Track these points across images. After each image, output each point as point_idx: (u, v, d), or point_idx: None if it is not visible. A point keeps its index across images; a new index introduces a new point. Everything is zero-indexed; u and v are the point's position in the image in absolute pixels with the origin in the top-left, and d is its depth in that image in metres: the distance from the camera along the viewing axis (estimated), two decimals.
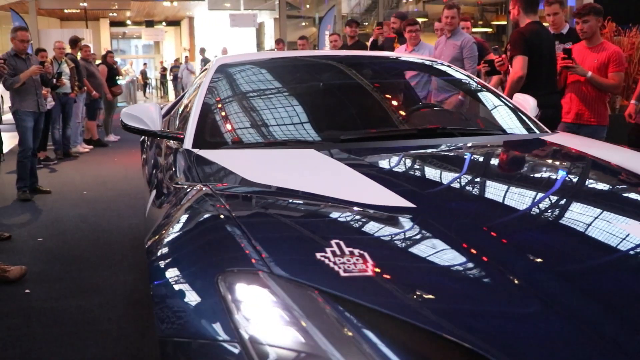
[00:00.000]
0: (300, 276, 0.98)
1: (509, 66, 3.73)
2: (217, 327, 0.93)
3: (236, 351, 0.87)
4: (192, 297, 1.02)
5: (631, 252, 1.16)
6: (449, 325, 0.88)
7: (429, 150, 1.96)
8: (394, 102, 2.52)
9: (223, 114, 2.24)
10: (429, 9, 15.03)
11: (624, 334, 0.90)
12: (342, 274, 0.99)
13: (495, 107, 2.52)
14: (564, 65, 3.54)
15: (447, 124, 2.29)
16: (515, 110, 2.45)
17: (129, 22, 25.45)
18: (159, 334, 1.02)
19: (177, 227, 1.27)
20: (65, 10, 20.16)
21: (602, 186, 1.69)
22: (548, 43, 3.59)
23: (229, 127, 2.17)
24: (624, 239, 1.21)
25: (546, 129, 2.37)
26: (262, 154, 1.91)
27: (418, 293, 0.97)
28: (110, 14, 22.92)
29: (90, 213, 4.69)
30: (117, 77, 10.20)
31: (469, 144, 2.06)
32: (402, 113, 2.48)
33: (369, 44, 6.75)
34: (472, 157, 1.92)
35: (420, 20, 5.95)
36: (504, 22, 15.61)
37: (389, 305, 0.92)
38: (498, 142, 2.17)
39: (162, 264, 1.15)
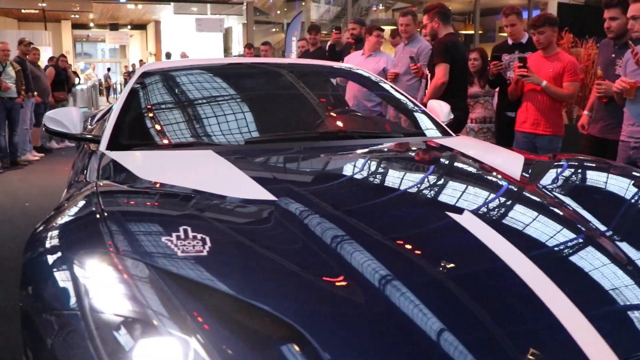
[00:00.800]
0: (144, 256, 1.14)
1: (424, 73, 4.15)
2: (66, 299, 1.07)
3: (79, 320, 1.01)
4: (49, 273, 1.16)
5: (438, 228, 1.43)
6: (266, 299, 1.06)
7: (318, 151, 2.12)
8: (305, 108, 2.64)
9: (138, 118, 2.38)
10: (397, 18, 15.12)
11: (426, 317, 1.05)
12: (180, 254, 1.15)
13: (407, 112, 2.80)
14: (519, 74, 3.50)
15: (351, 128, 2.54)
16: (424, 114, 2.65)
17: (92, 24, 24.84)
18: (20, 304, 1.18)
19: (57, 218, 1.39)
20: (23, 11, 19.52)
21: (454, 182, 1.84)
22: (463, 51, 4.08)
23: (141, 130, 2.33)
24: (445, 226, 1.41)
25: (450, 132, 2.53)
26: (165, 155, 2.05)
27: (245, 271, 1.17)
28: (72, 16, 22.28)
29: (29, 227, 4.40)
30: (78, 82, 9.85)
31: (359, 145, 2.27)
32: (312, 118, 2.57)
33: (327, 48, 6.61)
34: (352, 157, 2.11)
35: (389, 28, 5.90)
36: (472, 32, 15.83)
37: (213, 281, 1.10)
38: (389, 144, 2.32)
39: (33, 246, 1.29)
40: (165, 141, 2.21)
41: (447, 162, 2.09)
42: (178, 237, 1.20)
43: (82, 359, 0.96)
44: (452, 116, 2.80)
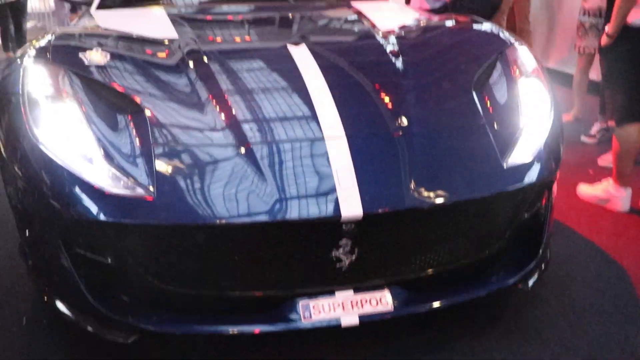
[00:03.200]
0: (67, 64, 1.74)
1: None
2: (15, 86, 1.66)
3: (18, 96, 1.61)
4: (9, 73, 1.76)
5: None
6: (132, 87, 1.73)
7: (247, 10, 2.64)
8: None
9: None
10: None
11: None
12: (88, 64, 1.78)
13: None
14: None
15: None
16: None
17: None
18: None
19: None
20: None
21: (320, 26, 2.47)
22: None
23: None
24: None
25: None
26: (130, 11, 2.60)
27: (125, 69, 1.83)
28: None
29: None
30: None
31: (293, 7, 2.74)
32: None
33: None
34: (269, 13, 2.60)
35: None
36: None
37: (101, 76, 1.75)
38: (316, 5, 2.79)
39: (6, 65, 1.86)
40: (137, 3, 2.71)
41: (328, 13, 2.65)
42: (91, 54, 1.82)
43: (14, 114, 1.58)
44: None
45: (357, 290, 1.53)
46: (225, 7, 2.72)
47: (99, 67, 1.77)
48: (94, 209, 1.41)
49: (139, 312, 1.51)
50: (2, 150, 1.63)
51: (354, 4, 2.70)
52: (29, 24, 7.41)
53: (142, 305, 1.52)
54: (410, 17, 2.56)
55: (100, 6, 2.71)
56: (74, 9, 7.99)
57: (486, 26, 2.29)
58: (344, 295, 1.52)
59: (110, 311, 1.50)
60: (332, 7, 2.76)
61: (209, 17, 2.63)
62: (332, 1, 2.89)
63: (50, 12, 9.01)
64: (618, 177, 2.69)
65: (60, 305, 1.57)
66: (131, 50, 1.99)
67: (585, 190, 2.85)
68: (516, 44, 2.04)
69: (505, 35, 2.15)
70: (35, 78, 1.67)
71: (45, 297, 1.63)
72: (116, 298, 1.52)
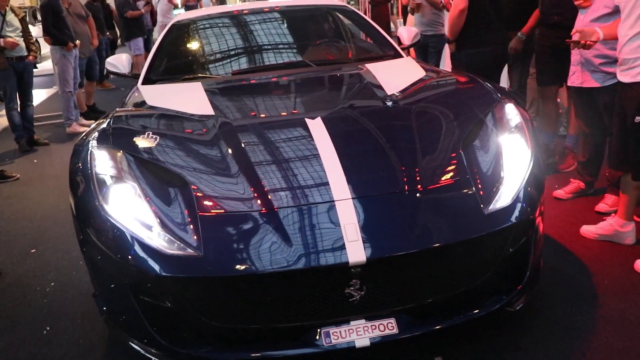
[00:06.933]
0: (124, 148, 2.20)
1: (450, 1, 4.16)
2: (84, 167, 2.14)
3: (88, 178, 2.07)
4: (77, 156, 2.25)
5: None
6: (177, 166, 2.13)
7: (275, 78, 3.09)
8: (285, 43, 3.67)
9: (164, 60, 3.45)
10: None
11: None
12: (142, 146, 2.21)
13: (374, 38, 3.67)
14: None
15: (315, 58, 3.35)
16: (385, 40, 3.54)
17: None
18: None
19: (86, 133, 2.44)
20: None
21: (332, 94, 2.92)
22: None
23: (164, 70, 3.36)
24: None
25: (403, 54, 3.37)
26: (169, 86, 3.08)
27: (173, 151, 2.23)
28: None
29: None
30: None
31: (313, 71, 3.13)
32: (291, 50, 3.61)
33: None
34: (291, 80, 3.05)
35: None
36: None
37: (155, 158, 2.16)
38: (329, 70, 3.17)
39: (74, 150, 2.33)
40: (178, 75, 3.20)
41: (344, 79, 3.06)
42: (147, 135, 2.26)
43: (86, 192, 2.03)
44: (418, 38, 3.66)
45: (368, 318, 1.89)
46: (252, 78, 3.08)
47: (150, 148, 2.20)
48: (155, 266, 1.81)
49: (195, 344, 1.90)
50: (77, 219, 2.05)
51: (367, 65, 3.05)
52: None
53: (197, 339, 1.91)
54: (415, 76, 2.88)
55: (145, 81, 3.20)
56: (107, 76, 8.65)
57: (479, 84, 2.64)
58: (357, 323, 1.88)
59: (172, 344, 1.90)
60: (348, 71, 3.13)
61: (239, 87, 3.00)
62: (348, 65, 3.26)
63: None
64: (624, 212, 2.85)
65: (132, 343, 1.98)
66: (174, 129, 2.43)
67: (588, 229, 2.99)
68: (504, 102, 2.39)
69: (495, 93, 2.49)
70: (101, 161, 2.12)
71: (119, 337, 2.04)
72: (176, 334, 1.92)
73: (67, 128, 6.22)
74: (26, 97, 5.59)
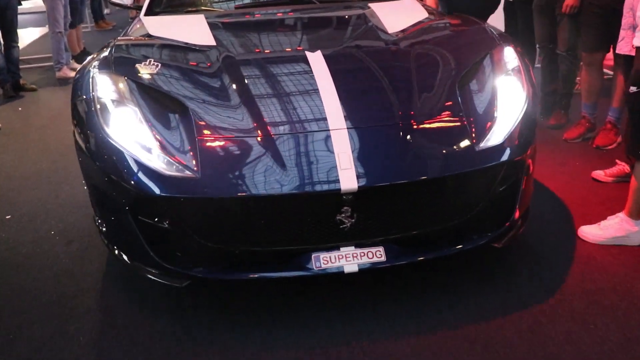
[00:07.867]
0: (127, 74, 2.24)
1: None
2: (86, 92, 2.17)
3: (90, 101, 2.11)
4: (80, 81, 2.28)
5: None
6: (178, 92, 2.18)
7: (274, 13, 3.06)
8: None
9: None
10: None
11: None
12: (143, 73, 2.26)
13: None
14: None
15: None
16: None
17: None
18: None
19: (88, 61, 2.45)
20: None
21: (334, 30, 2.97)
22: None
23: (165, 0, 3.31)
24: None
25: None
26: (173, 18, 3.08)
27: (172, 77, 2.28)
28: None
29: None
30: None
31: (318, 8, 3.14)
32: None
33: None
34: (293, 17, 3.04)
35: None
36: None
37: (156, 84, 2.21)
38: (338, 8, 3.18)
39: (77, 76, 2.36)
40: (180, 8, 3.24)
41: (347, 19, 3.03)
42: (145, 64, 2.29)
43: (88, 115, 2.07)
44: None
45: (357, 246, 1.97)
46: (255, 12, 3.10)
47: (151, 75, 2.23)
48: (154, 187, 1.87)
49: (189, 263, 1.98)
50: (79, 141, 2.08)
51: (371, 5, 3.06)
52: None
53: (192, 259, 1.99)
54: (418, 17, 2.92)
55: (148, 12, 3.20)
56: (102, 16, 8.34)
57: (480, 27, 2.68)
58: (347, 250, 1.95)
59: (168, 263, 1.97)
60: (351, 12, 3.12)
61: (242, 22, 3.01)
62: (351, 4, 3.23)
63: None
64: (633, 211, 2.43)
65: (127, 259, 2.06)
66: (176, 58, 2.46)
67: (589, 230, 2.52)
68: (503, 45, 2.43)
69: (495, 36, 2.54)
70: (102, 86, 2.15)
71: (116, 254, 2.11)
72: (172, 253, 1.99)
73: (57, 72, 5.90)
74: (10, 37, 5.16)
